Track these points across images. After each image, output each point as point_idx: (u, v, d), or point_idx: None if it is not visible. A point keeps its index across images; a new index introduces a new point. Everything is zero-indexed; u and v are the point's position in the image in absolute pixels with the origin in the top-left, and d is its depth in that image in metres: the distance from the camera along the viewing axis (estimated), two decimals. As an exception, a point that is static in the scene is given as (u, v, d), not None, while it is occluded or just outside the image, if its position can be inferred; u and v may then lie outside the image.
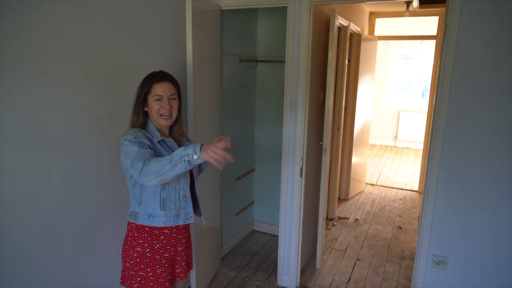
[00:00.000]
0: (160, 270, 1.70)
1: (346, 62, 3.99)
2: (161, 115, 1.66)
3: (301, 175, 2.67)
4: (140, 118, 1.67)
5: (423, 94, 8.31)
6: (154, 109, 1.65)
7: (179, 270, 1.79)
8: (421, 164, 5.23)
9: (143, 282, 1.68)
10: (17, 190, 1.61)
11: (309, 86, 2.59)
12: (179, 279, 1.81)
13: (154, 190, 1.62)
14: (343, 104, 4.07)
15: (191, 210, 1.75)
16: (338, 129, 4.06)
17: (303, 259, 3.02)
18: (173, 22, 2.38)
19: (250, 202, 3.80)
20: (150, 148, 1.58)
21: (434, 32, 5.18)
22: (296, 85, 2.57)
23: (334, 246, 3.60)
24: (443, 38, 2.16)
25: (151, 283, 1.68)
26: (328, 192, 4.16)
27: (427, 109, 5.21)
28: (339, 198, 4.70)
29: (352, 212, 4.45)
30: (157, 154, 1.60)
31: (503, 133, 2.05)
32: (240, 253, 3.41)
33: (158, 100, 1.64)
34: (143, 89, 1.65)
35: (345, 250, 3.52)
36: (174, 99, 1.69)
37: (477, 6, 2.00)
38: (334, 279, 3.03)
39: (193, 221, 1.75)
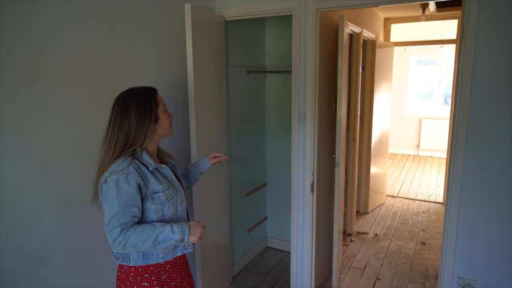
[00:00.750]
0: None
1: (360, 70, 3.83)
2: (171, 126, 1.55)
3: (312, 191, 2.53)
4: (138, 142, 1.43)
5: (445, 100, 7.99)
6: (167, 121, 1.51)
7: None
8: (445, 174, 4.95)
9: None
10: (9, 210, 1.56)
11: (318, 97, 2.46)
12: None
13: None
14: (358, 113, 3.90)
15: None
16: (354, 139, 3.88)
17: (318, 278, 2.84)
18: (175, 34, 2.32)
19: (263, 217, 3.66)
20: (141, 191, 1.39)
21: (454, 36, 4.96)
22: (304, 95, 2.45)
23: (352, 263, 3.40)
24: (460, 42, 2.00)
25: None
26: (346, 206, 3.97)
27: (449, 115, 4.96)
28: (357, 212, 4.49)
29: (372, 227, 4.23)
30: (149, 189, 1.42)
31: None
32: (253, 272, 3.26)
33: (166, 110, 1.52)
34: (150, 104, 1.44)
35: (364, 268, 3.32)
36: None
37: (495, 6, 1.84)
38: (352, 301, 2.83)
39: (192, 250, 1.58)
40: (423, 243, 3.80)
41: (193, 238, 1.42)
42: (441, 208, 4.78)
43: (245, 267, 3.33)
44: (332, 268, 3.04)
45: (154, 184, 1.43)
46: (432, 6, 4.00)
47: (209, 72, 2.45)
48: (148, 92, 1.48)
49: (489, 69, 1.90)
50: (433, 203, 5.00)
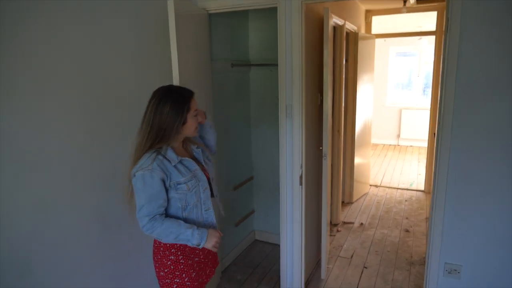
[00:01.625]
0: (194, 274, 1.71)
1: (344, 62, 3.86)
2: (196, 128, 1.68)
3: (300, 183, 2.54)
4: (162, 140, 1.57)
5: (424, 91, 8.16)
6: (194, 125, 1.66)
7: (208, 271, 1.82)
8: (427, 162, 5.08)
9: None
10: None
11: (305, 89, 2.46)
12: (209, 279, 1.83)
13: (175, 212, 1.63)
14: (343, 105, 3.93)
15: (214, 220, 1.75)
16: (339, 131, 3.92)
17: (307, 269, 2.88)
18: (156, 28, 2.26)
19: (250, 211, 3.67)
20: (165, 184, 1.56)
21: (432, 27, 5.05)
22: (290, 88, 2.45)
23: (340, 253, 3.45)
24: (445, 33, 2.03)
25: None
26: (331, 196, 4.02)
27: (429, 106, 5.07)
28: (342, 202, 4.56)
29: (357, 216, 4.31)
30: (172, 181, 1.58)
31: (514, 131, 1.91)
32: (242, 266, 3.27)
33: (195, 116, 1.65)
34: (183, 108, 1.58)
35: (351, 257, 3.38)
36: None
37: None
38: (341, 290, 2.88)
39: (216, 228, 1.75)
40: (407, 231, 3.89)
41: (208, 245, 1.62)
42: (422, 196, 4.91)
43: (234, 261, 3.33)
44: (320, 258, 3.08)
45: (176, 177, 1.58)
46: (412, -2, 4.05)
47: (194, 66, 2.41)
48: (185, 95, 1.61)
49: (474, 58, 1.94)
50: (415, 191, 5.12)
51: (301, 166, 2.52)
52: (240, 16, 3.26)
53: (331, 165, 3.91)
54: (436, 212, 2.16)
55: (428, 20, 5.41)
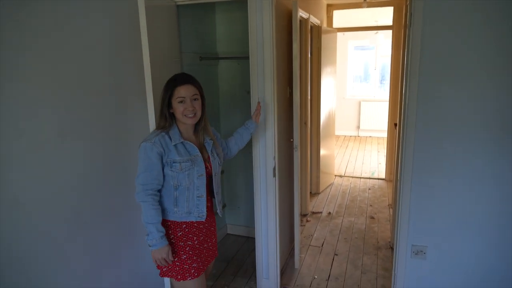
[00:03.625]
0: (185, 256, 1.83)
1: (309, 55, 3.93)
2: (185, 115, 1.77)
3: (274, 175, 2.57)
4: (167, 120, 1.79)
5: (381, 83, 8.52)
6: (178, 110, 1.77)
7: (204, 258, 1.93)
8: (387, 152, 5.32)
9: (169, 267, 1.83)
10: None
11: (276, 82, 2.48)
12: (206, 266, 1.96)
13: (169, 189, 1.78)
14: (309, 97, 4.01)
15: (205, 209, 1.86)
16: (306, 123, 4.00)
17: (281, 259, 2.92)
18: (127, 21, 2.17)
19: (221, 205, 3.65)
20: (162, 160, 1.73)
21: (388, 22, 5.27)
22: (262, 81, 2.46)
23: (311, 242, 3.54)
24: (409, 26, 2.13)
25: (177, 268, 1.82)
26: (300, 188, 4.10)
27: (387, 97, 5.30)
28: (310, 193, 4.66)
29: (325, 206, 4.44)
30: (169, 158, 1.74)
31: (477, 116, 2.05)
32: (216, 260, 3.25)
33: (181, 102, 1.76)
34: (167, 93, 1.77)
35: (322, 246, 3.48)
36: (196, 99, 1.81)
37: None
38: (314, 278, 2.96)
39: (204, 220, 1.87)
40: (372, 217, 4.07)
41: (155, 253, 1.74)
42: (384, 184, 5.15)
43: (207, 256, 3.31)
44: (293, 248, 3.14)
45: (173, 155, 1.75)
46: (371, -7, 4.20)
47: (164, 59, 2.35)
48: (169, 82, 1.80)
49: (436, 50, 2.05)
50: (377, 180, 5.36)
51: (274, 158, 2.55)
52: (207, 8, 3.21)
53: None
54: (402, 198, 2.28)
55: (384, 15, 5.64)
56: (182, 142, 1.79)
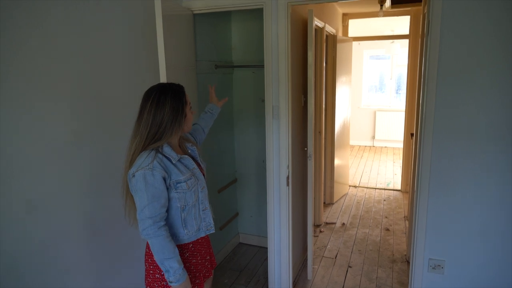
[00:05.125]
0: (190, 275, 1.66)
1: (324, 64, 3.91)
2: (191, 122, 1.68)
3: (287, 184, 2.54)
4: (158, 135, 1.53)
5: (397, 93, 8.42)
6: (191, 118, 1.65)
7: (205, 271, 1.79)
8: (403, 162, 5.22)
9: None
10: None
11: (291, 91, 2.47)
12: (206, 278, 1.81)
13: (174, 212, 1.58)
14: (323, 106, 3.99)
15: (211, 221, 1.74)
16: (320, 132, 3.96)
17: (294, 270, 2.88)
18: (144, 28, 2.21)
19: (234, 214, 3.64)
20: (165, 182, 1.51)
21: (405, 31, 5.21)
22: (277, 89, 2.45)
23: (324, 253, 3.48)
24: (426, 35, 2.10)
25: None
26: (314, 198, 4.05)
27: (404, 107, 5.22)
28: (324, 203, 4.60)
29: (338, 217, 4.37)
30: (172, 180, 1.54)
31: (497, 127, 1.99)
32: (228, 269, 3.23)
33: (190, 108, 1.65)
34: (182, 101, 1.57)
35: (336, 257, 3.41)
36: None
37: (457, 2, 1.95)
38: (327, 290, 2.90)
39: (214, 231, 1.74)
40: (387, 229, 3.98)
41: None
42: (400, 195, 5.04)
43: (220, 265, 3.29)
44: (306, 259, 3.09)
45: (176, 175, 1.54)
46: (388, 2, 4.17)
47: (180, 68, 2.37)
48: (180, 90, 1.59)
49: (457, 58, 2.00)
50: (392, 191, 5.25)
51: (288, 167, 2.52)
52: (223, 17, 3.24)
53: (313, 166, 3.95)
54: (419, 210, 2.22)
55: (401, 24, 5.59)
56: (179, 159, 1.59)
